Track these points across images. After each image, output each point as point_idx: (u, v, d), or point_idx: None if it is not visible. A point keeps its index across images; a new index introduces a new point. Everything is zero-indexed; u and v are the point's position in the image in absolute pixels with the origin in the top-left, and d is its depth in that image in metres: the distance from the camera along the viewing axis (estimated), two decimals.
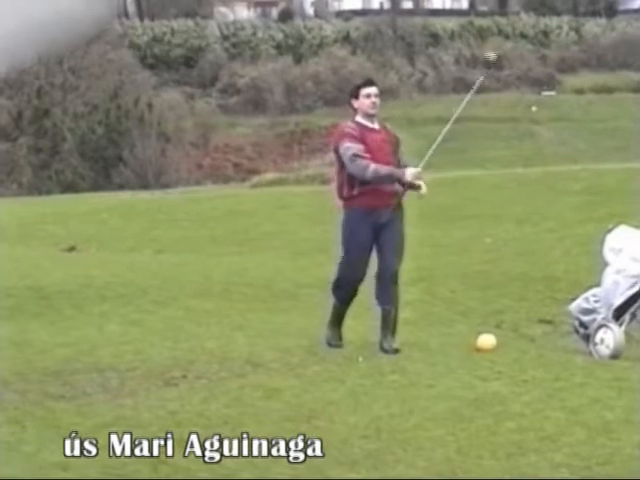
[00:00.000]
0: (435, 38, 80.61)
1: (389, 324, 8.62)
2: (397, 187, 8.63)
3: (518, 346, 8.74)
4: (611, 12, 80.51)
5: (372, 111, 8.60)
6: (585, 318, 8.94)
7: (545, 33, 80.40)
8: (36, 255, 17.08)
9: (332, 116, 75.39)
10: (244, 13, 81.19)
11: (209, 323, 10.10)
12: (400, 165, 8.68)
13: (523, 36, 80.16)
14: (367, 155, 8.44)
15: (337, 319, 8.87)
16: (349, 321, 9.69)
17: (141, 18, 76.01)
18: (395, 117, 65.42)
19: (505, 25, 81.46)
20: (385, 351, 8.47)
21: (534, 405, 6.74)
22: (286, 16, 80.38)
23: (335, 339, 8.82)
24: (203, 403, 6.90)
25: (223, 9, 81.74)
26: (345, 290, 8.74)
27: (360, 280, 8.66)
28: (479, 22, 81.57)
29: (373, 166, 8.42)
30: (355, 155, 8.44)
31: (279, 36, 77.63)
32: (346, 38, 78.10)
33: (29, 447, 5.93)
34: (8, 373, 7.74)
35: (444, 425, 6.28)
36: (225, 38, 76.18)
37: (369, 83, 8.79)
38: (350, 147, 8.45)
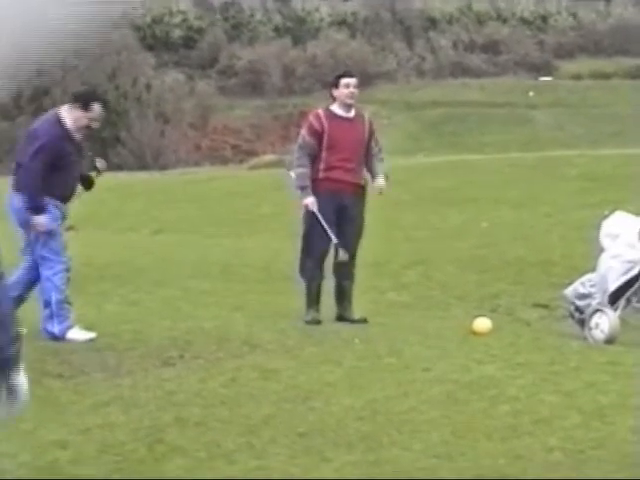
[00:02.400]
0: (433, 22, 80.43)
1: (348, 297, 9.24)
2: (361, 177, 9.24)
3: (513, 330, 8.79)
4: None
5: (349, 101, 9.21)
6: (580, 303, 8.98)
7: (544, 18, 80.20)
8: None
9: (330, 99, 75.16)
10: None
11: (207, 304, 10.15)
12: (370, 152, 9.25)
13: (522, 21, 79.96)
14: (309, 151, 9.10)
15: (312, 298, 9.21)
16: None
17: None
18: (393, 101, 65.52)
19: (504, 9, 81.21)
20: (352, 321, 9.07)
21: (529, 389, 6.79)
22: None
23: (313, 314, 9.14)
24: (200, 383, 6.95)
25: None
26: (310, 266, 9.20)
27: (322, 253, 9.17)
28: (477, 6, 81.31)
29: (300, 170, 9.12)
30: (300, 147, 9.22)
31: (277, 18, 77.45)
32: (344, 21, 77.94)
33: (27, 425, 5.96)
34: None
35: (440, 408, 6.33)
36: (225, 19, 75.99)
37: (349, 74, 9.37)
38: (302, 137, 9.21)
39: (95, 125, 8.34)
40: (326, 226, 9.02)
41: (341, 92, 9.16)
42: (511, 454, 5.48)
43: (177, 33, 73.23)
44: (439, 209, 18.03)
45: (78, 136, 8.21)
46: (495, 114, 63.91)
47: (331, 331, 8.69)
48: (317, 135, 9.08)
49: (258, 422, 6.03)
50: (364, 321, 9.09)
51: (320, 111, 9.29)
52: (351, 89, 9.16)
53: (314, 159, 9.13)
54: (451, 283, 11.25)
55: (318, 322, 9.08)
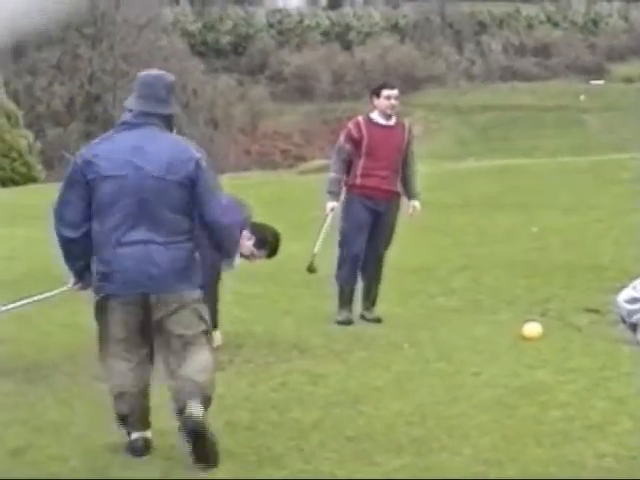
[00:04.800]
0: (483, 26, 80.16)
1: (372, 298, 9.45)
2: (396, 185, 9.32)
3: (564, 335, 8.72)
4: None
5: (389, 112, 9.23)
6: (632, 307, 8.88)
7: (595, 21, 79.62)
8: None
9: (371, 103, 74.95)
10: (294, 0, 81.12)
11: (257, 308, 10.17)
12: (407, 163, 9.34)
13: (573, 24, 79.39)
14: (345, 157, 9.21)
15: (344, 300, 9.40)
16: (395, 309, 9.74)
17: (192, 4, 76.18)
18: (442, 105, 65.44)
19: (554, 13, 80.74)
20: (367, 320, 9.32)
21: (580, 394, 6.74)
22: (335, 3, 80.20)
23: (345, 315, 9.31)
24: (250, 387, 6.97)
25: None
26: (345, 270, 9.38)
27: (357, 257, 9.32)
28: (527, 10, 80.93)
29: (331, 175, 9.28)
30: (336, 152, 9.32)
31: (326, 23, 77.56)
32: (395, 26, 77.86)
33: (78, 428, 6.02)
34: (58, 355, 7.86)
35: (489, 413, 6.30)
36: (271, 26, 76.22)
37: (390, 86, 9.36)
38: (339, 142, 9.32)
39: (251, 259, 8.39)
40: (321, 237, 9.45)
41: (381, 103, 9.19)
42: (562, 460, 5.45)
43: (227, 39, 73.58)
44: (488, 213, 17.94)
45: None
46: (545, 118, 63.62)
47: (380, 335, 8.67)
48: (355, 142, 9.17)
49: (307, 426, 6.04)
50: (377, 321, 9.28)
51: (360, 119, 9.34)
52: (392, 101, 9.17)
53: (350, 165, 9.24)
54: (501, 288, 11.18)
55: (350, 322, 9.21)
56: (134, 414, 5.65)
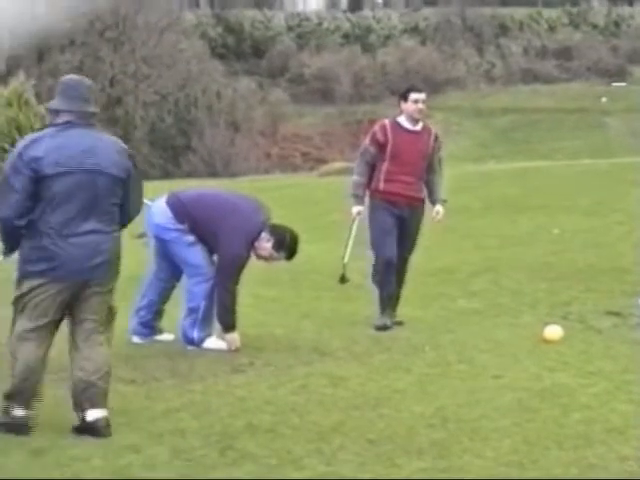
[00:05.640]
0: (504, 28, 79.97)
1: (392, 303, 9.31)
2: (420, 190, 9.27)
3: (585, 338, 8.70)
4: None
5: (417, 116, 9.19)
6: None
7: (616, 23, 79.33)
8: None
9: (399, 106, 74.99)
10: (314, 2, 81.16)
11: (277, 311, 10.19)
12: (432, 169, 9.28)
13: (594, 26, 79.13)
14: (369, 160, 9.18)
15: (383, 304, 9.27)
16: (416, 311, 9.75)
17: (212, 7, 76.34)
18: (463, 107, 65.31)
19: (575, 15, 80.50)
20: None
21: (601, 397, 6.72)
22: (355, 6, 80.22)
23: (382, 320, 9.19)
24: (270, 390, 6.98)
25: None
26: (381, 275, 9.25)
27: (390, 260, 9.18)
28: (548, 12, 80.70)
29: (355, 178, 9.23)
30: (361, 155, 9.27)
31: (346, 26, 77.55)
32: (415, 29, 77.81)
33: None
34: None
35: (511, 416, 6.30)
36: (290, 29, 76.27)
37: (417, 89, 9.30)
38: (364, 145, 9.28)
39: (269, 261, 8.43)
40: (350, 244, 9.40)
41: (409, 107, 9.14)
42: (584, 463, 5.44)
43: (247, 42, 73.68)
44: (509, 216, 17.91)
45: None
46: (566, 120, 63.41)
47: (401, 338, 8.68)
48: (379, 145, 9.11)
49: (328, 429, 6.05)
50: (399, 323, 9.23)
51: (387, 122, 9.27)
52: (419, 105, 9.12)
53: (374, 168, 9.18)
54: (522, 290, 11.16)
55: (386, 328, 9.07)
56: (30, 391, 5.94)
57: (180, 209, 8.22)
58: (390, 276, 9.23)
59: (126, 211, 6.09)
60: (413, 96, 9.12)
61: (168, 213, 8.22)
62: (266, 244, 8.21)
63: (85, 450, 5.65)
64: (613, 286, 11.06)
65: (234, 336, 8.20)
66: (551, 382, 7.12)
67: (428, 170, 9.24)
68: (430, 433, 5.96)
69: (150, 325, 8.55)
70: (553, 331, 8.60)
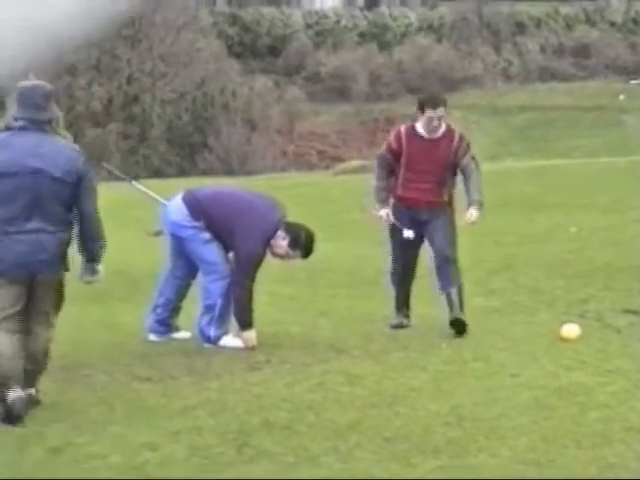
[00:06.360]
0: (521, 26, 79.71)
1: (454, 303, 8.90)
2: (440, 195, 8.94)
3: (603, 336, 8.66)
4: None
5: (431, 133, 8.83)
6: None
7: (635, 20, 78.97)
8: (124, 239, 17.31)
9: (416, 104, 74.95)
10: (330, 0, 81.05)
11: (293, 309, 10.19)
12: (464, 170, 8.91)
13: (612, 24, 78.79)
14: (386, 166, 8.98)
15: (399, 303, 9.18)
16: (433, 309, 9.71)
17: (229, 5, 76.32)
18: (480, 106, 65.14)
19: (593, 12, 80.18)
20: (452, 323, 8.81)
21: (619, 395, 6.69)
22: (372, 3, 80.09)
23: (399, 319, 9.11)
24: (287, 387, 6.98)
25: None
26: (396, 277, 9.16)
27: (405, 269, 9.07)
28: (565, 10, 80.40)
29: (374, 183, 9.05)
30: (378, 159, 9.10)
31: (363, 24, 77.45)
32: (431, 26, 77.67)
33: (117, 427, 6.06)
34: (97, 355, 7.92)
35: (528, 414, 6.27)
36: (308, 26, 76.22)
37: (432, 105, 8.80)
38: (381, 150, 9.09)
39: (285, 259, 8.44)
40: (399, 224, 8.94)
41: (424, 122, 8.82)
42: (602, 462, 5.41)
43: (263, 41, 73.69)
44: (527, 214, 17.86)
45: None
46: (584, 118, 63.19)
47: (417, 336, 8.66)
48: (394, 153, 8.91)
49: (344, 427, 6.04)
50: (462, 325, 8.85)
51: (402, 129, 8.98)
52: (434, 123, 8.77)
53: (393, 173, 8.99)
54: (539, 288, 11.13)
55: (403, 326, 9.05)
56: (11, 377, 6.27)
57: (196, 206, 8.23)
58: (407, 277, 9.16)
59: (82, 214, 6.40)
60: (428, 113, 8.74)
61: (184, 210, 8.24)
62: (282, 242, 8.21)
63: (102, 448, 5.67)
64: (631, 284, 11.01)
65: (251, 334, 8.20)
66: (568, 380, 7.09)
67: (462, 174, 8.91)
68: (446, 431, 5.95)
69: (167, 323, 8.56)
70: (570, 329, 8.57)
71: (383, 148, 9.08)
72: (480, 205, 8.93)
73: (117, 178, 10.56)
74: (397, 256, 9.12)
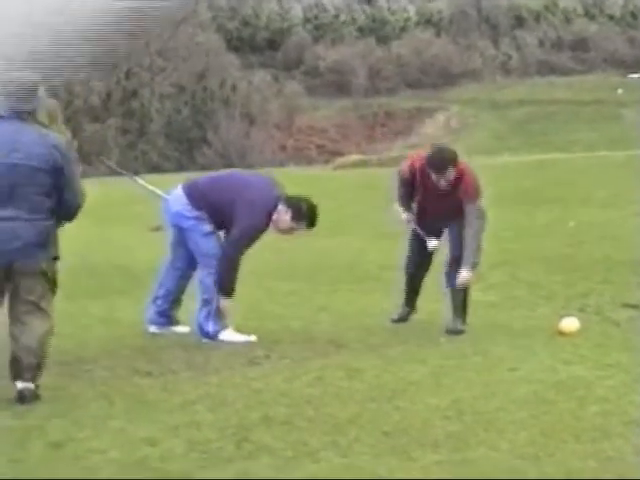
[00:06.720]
0: (519, 20, 79.67)
1: (456, 310, 8.80)
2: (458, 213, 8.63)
3: (602, 330, 8.68)
4: None
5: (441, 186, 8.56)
6: None
7: (633, 14, 78.94)
8: (123, 234, 17.36)
9: (415, 99, 75.14)
10: None
11: (293, 304, 10.20)
12: (465, 215, 8.54)
13: (610, 17, 78.75)
14: (404, 188, 8.79)
15: (406, 296, 9.13)
16: (432, 303, 9.73)
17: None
18: (478, 100, 65.17)
19: (591, 6, 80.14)
20: (449, 332, 8.65)
21: (618, 389, 6.70)
22: None
23: (400, 312, 9.10)
24: (286, 382, 6.98)
25: None
26: (408, 271, 9.11)
27: (417, 263, 9.01)
28: (564, 3, 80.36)
29: (397, 192, 8.84)
30: (398, 175, 8.84)
31: (362, 18, 77.42)
32: (430, 20, 77.61)
33: (117, 422, 6.07)
34: (98, 350, 7.93)
35: (527, 408, 6.28)
36: (307, 20, 76.18)
37: (438, 170, 8.42)
38: (400, 170, 8.83)
39: (292, 233, 8.37)
40: (423, 234, 8.85)
41: (433, 178, 8.49)
42: (601, 456, 5.42)
43: (262, 35, 73.63)
44: (525, 208, 17.89)
45: (270, 229, 8.27)
46: (582, 112, 63.23)
47: (417, 330, 8.68)
48: (408, 182, 8.75)
49: (343, 421, 6.05)
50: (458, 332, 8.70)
51: (417, 164, 8.63)
52: (442, 183, 8.43)
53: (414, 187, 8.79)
54: (538, 283, 11.15)
55: (403, 320, 9.07)
56: None
57: (196, 195, 8.23)
58: (418, 274, 9.08)
59: (63, 202, 6.42)
60: (433, 176, 8.47)
61: (184, 200, 8.24)
62: (285, 217, 8.18)
63: (102, 443, 5.67)
64: (630, 278, 11.03)
65: (228, 304, 8.17)
66: (567, 374, 7.10)
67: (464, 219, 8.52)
68: (445, 425, 5.96)
69: (167, 314, 8.57)
70: (569, 323, 8.58)
71: (402, 167, 8.87)
72: (473, 266, 8.57)
73: (117, 173, 10.57)
74: (412, 252, 9.06)
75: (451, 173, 8.40)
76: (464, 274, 8.52)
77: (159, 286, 8.58)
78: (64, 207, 6.47)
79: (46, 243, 6.43)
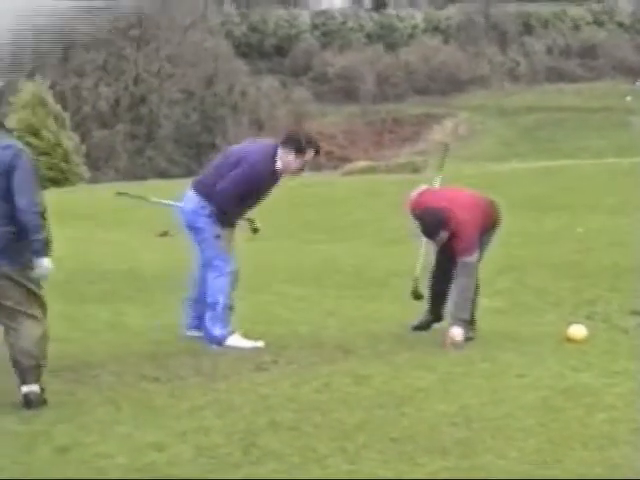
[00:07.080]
0: (528, 27, 79.66)
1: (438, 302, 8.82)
2: None
3: (610, 337, 8.66)
4: None
5: None
6: None
7: None
8: (131, 240, 17.36)
9: (423, 105, 75.12)
10: (339, 1, 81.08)
11: (301, 309, 10.19)
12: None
13: (619, 25, 78.70)
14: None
15: (429, 304, 8.96)
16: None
17: (238, 6, 76.40)
18: (486, 106, 65.19)
19: (600, 13, 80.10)
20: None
21: (626, 397, 6.69)
22: (380, 4, 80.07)
23: (420, 319, 8.97)
24: (294, 388, 6.98)
25: None
26: (432, 278, 8.94)
27: (442, 270, 8.77)
28: (573, 10, 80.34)
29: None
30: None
31: (369, 25, 77.47)
32: (438, 27, 77.64)
33: (124, 427, 6.07)
34: (105, 355, 7.92)
35: (535, 415, 6.27)
36: (315, 27, 76.26)
37: (428, 235, 8.49)
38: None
39: (306, 168, 8.29)
40: (421, 258, 8.95)
41: None
42: (609, 463, 5.41)
43: (271, 41, 73.71)
44: (533, 215, 17.86)
45: (282, 176, 8.21)
46: (591, 119, 63.19)
47: (424, 336, 8.66)
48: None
49: (351, 427, 6.04)
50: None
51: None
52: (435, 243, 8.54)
53: None
54: (546, 289, 11.13)
55: (421, 328, 8.90)
56: None
57: (204, 189, 8.20)
58: (441, 281, 8.83)
59: (17, 207, 6.38)
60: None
61: (195, 198, 8.23)
62: (290, 157, 8.09)
63: (109, 447, 5.67)
64: (638, 285, 11.01)
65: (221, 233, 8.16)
66: (575, 381, 7.09)
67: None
68: (453, 432, 5.95)
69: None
70: (577, 330, 8.57)
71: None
72: (461, 322, 8.33)
73: (133, 198, 10.51)
74: (436, 260, 8.89)
75: (444, 235, 8.37)
76: (452, 331, 8.28)
77: (195, 290, 8.49)
78: (19, 213, 6.41)
79: (6, 249, 6.41)
